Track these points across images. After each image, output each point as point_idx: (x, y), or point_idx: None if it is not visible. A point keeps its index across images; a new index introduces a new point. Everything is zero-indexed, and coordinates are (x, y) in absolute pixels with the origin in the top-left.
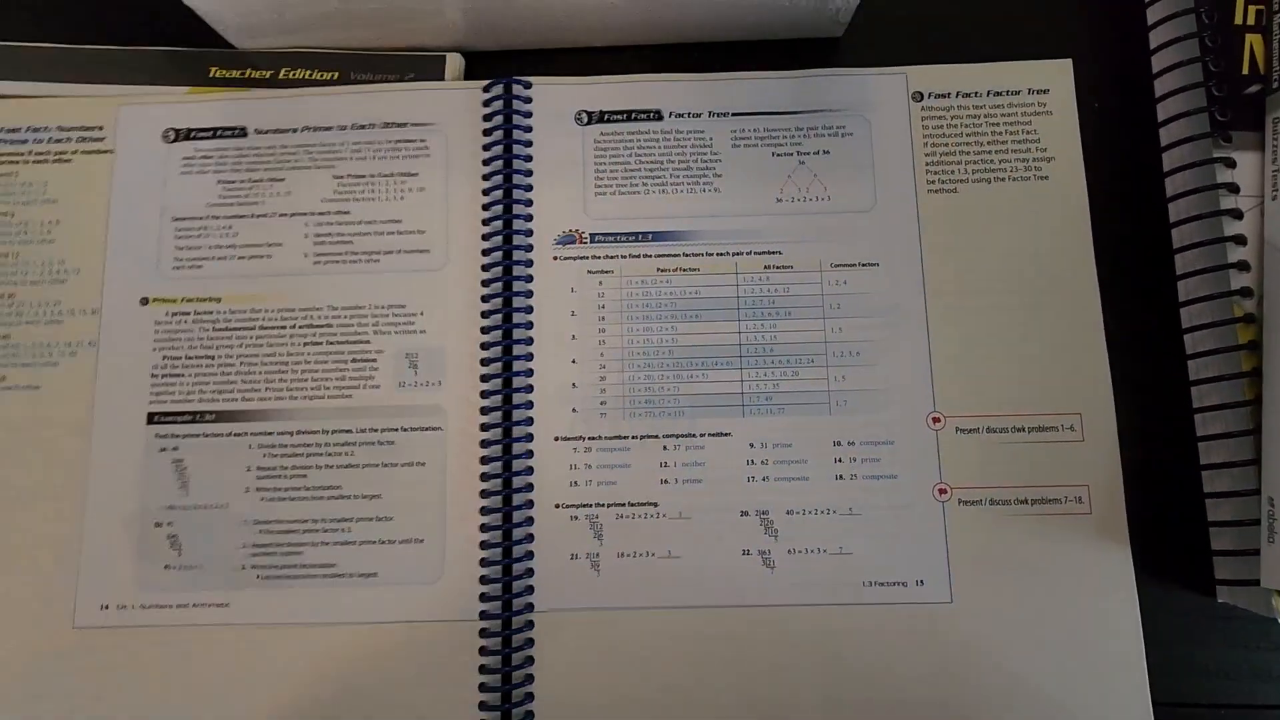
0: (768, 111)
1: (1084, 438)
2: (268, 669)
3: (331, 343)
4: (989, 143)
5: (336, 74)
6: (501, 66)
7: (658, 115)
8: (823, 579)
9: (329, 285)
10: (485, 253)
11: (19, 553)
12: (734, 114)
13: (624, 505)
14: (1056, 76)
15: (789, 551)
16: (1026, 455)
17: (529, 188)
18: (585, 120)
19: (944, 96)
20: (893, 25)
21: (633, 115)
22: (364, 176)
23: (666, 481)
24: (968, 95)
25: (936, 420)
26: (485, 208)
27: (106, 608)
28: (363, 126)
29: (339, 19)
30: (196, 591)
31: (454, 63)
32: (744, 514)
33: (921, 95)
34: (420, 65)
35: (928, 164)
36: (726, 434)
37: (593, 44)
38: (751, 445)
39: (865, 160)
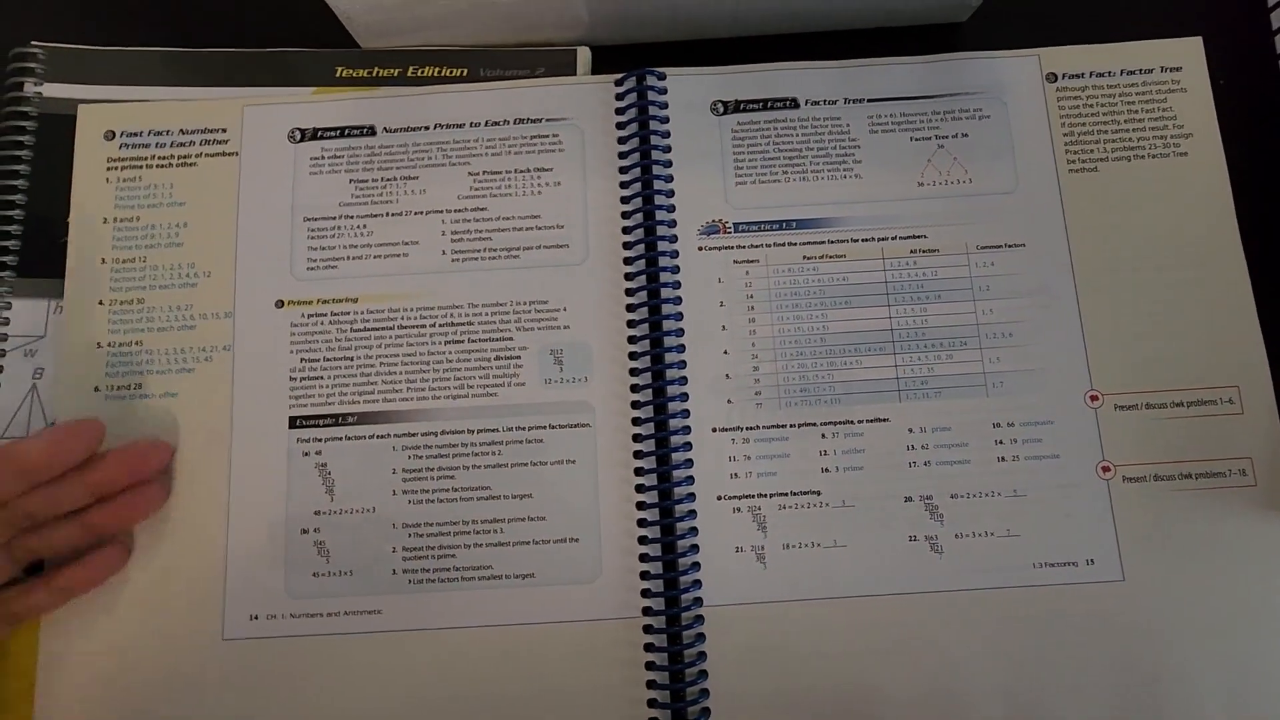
0: (904, 96)
1: (1243, 410)
2: (423, 675)
3: (474, 340)
4: (1126, 121)
5: (465, 71)
6: (628, 60)
7: (794, 103)
8: (992, 562)
9: (468, 283)
10: (628, 245)
11: (165, 566)
12: (870, 100)
13: (786, 495)
14: (1188, 54)
15: (956, 536)
16: (1187, 430)
17: (669, 179)
18: (721, 110)
19: (1078, 77)
20: (1019, 7)
21: (769, 104)
22: (500, 173)
23: (827, 470)
24: (1101, 75)
25: (1094, 398)
26: (625, 200)
27: (255, 618)
28: (495, 123)
29: (469, 15)
30: (346, 598)
31: (584, 57)
32: (908, 499)
33: (1056, 76)
34: (550, 60)
35: (1067, 144)
36: (884, 419)
37: (719, 35)
38: (910, 430)
39: (1004, 142)
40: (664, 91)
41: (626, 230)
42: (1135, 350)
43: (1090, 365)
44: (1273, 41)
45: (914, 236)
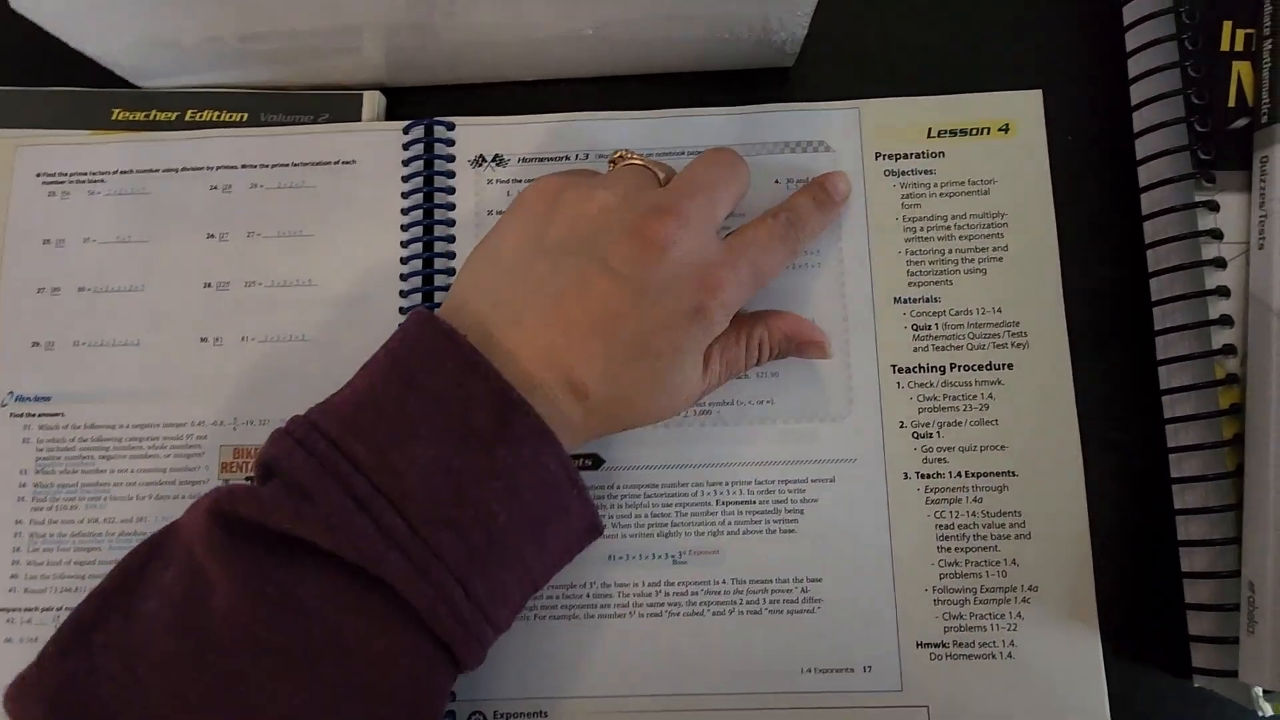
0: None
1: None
2: None
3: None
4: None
5: (245, 115)
6: (431, 103)
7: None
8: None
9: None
10: (404, 294)
11: None
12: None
13: None
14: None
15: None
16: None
17: (450, 239)
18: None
19: (905, 158)
20: (845, 55)
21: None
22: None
23: None
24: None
25: None
26: (404, 260)
27: None
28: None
29: (245, 57)
30: None
31: (372, 101)
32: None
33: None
34: (336, 105)
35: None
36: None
37: (524, 78)
38: None
39: None
40: (452, 144)
41: (403, 294)
42: None
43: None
44: (1127, 94)
45: None
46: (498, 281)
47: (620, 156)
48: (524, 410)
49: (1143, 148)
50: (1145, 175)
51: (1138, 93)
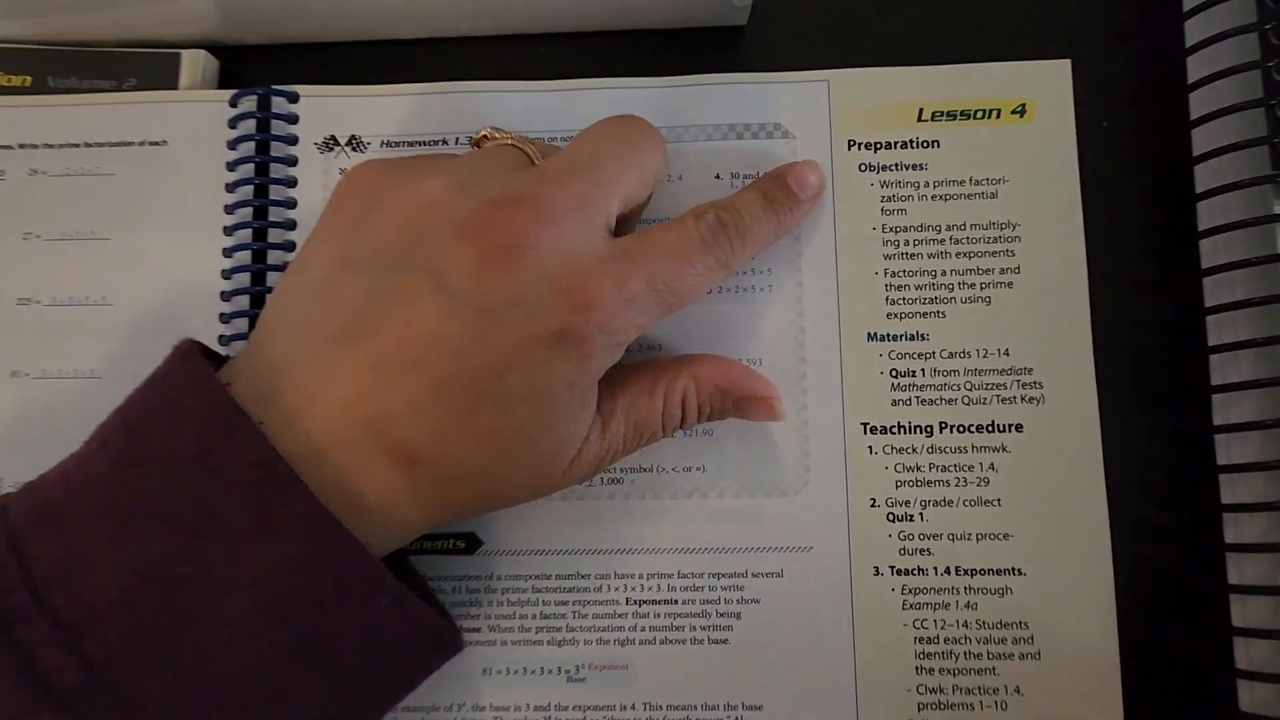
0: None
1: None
2: None
3: None
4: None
5: (27, 79)
6: (276, 67)
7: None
8: None
9: None
10: (225, 296)
11: None
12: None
13: None
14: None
15: None
16: None
17: (289, 247)
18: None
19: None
20: (814, 10)
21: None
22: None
23: None
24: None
25: None
26: (227, 275)
27: None
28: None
29: (34, 5)
30: None
31: (194, 63)
32: None
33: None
34: (146, 67)
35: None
36: None
37: (398, 36)
38: None
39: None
40: (294, 120)
41: (225, 295)
42: None
43: None
44: (1183, 66)
45: None
46: (299, 306)
47: (485, 136)
48: (293, 490)
49: (1202, 140)
50: (1204, 177)
51: (1197, 66)
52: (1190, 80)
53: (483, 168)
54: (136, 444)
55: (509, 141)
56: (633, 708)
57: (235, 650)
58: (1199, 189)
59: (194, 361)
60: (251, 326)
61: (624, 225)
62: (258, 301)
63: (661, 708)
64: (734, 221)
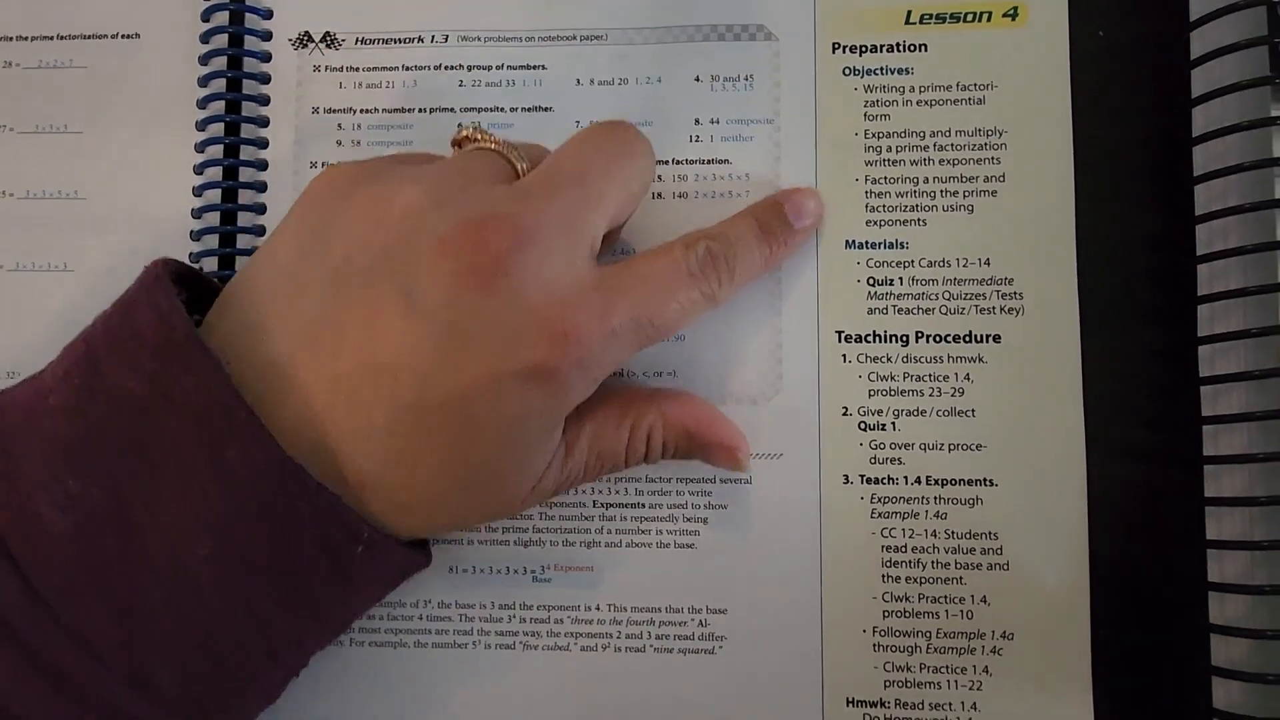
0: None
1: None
2: None
3: None
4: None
5: None
6: None
7: (438, 39)
8: None
9: None
10: (195, 236)
11: None
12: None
13: None
14: None
15: None
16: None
17: (262, 144)
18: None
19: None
20: None
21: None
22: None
23: None
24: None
25: None
26: (198, 170)
27: None
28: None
29: None
30: None
31: None
32: None
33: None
34: None
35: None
36: None
37: None
38: None
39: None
40: (269, 15)
41: (196, 213)
42: None
43: None
44: None
45: None
46: (264, 294)
47: (466, 137)
48: (253, 434)
49: (1200, 43)
50: (1201, 81)
51: None
52: None
53: (463, 178)
54: (95, 379)
55: (492, 147)
56: (597, 608)
57: (196, 595)
58: (1195, 92)
59: (161, 289)
60: (222, 223)
61: (607, 240)
62: (229, 196)
63: (626, 609)
64: (725, 253)
